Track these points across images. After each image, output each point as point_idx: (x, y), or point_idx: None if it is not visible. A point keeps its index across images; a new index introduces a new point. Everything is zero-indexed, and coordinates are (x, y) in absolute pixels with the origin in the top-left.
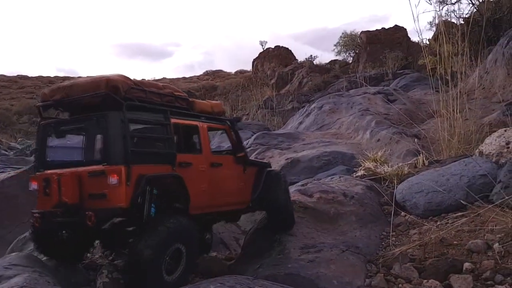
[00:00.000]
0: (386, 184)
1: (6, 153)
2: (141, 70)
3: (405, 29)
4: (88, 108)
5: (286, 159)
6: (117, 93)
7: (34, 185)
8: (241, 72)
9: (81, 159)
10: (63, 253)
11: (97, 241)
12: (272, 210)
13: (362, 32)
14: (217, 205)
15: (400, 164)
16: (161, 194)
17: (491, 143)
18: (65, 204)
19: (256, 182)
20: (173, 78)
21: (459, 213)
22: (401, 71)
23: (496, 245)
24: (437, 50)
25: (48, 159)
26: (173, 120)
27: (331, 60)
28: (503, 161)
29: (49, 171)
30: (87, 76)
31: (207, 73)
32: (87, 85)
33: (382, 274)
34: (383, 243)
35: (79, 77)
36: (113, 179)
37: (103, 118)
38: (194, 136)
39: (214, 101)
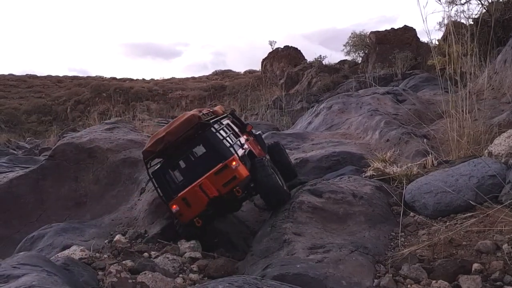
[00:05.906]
0: (395, 184)
1: (15, 152)
2: (150, 70)
3: (414, 29)
4: (180, 143)
5: (295, 159)
6: (201, 119)
7: (176, 208)
8: (250, 72)
9: (196, 173)
10: (198, 236)
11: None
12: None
13: (371, 32)
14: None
15: (409, 164)
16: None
17: (500, 144)
18: (213, 198)
19: (261, 146)
20: (182, 78)
21: (468, 214)
22: (410, 71)
23: (505, 246)
24: (446, 51)
25: (173, 188)
26: (224, 122)
27: (340, 60)
28: None
29: (181, 193)
30: (169, 125)
31: (216, 73)
32: (179, 127)
33: (391, 275)
34: (392, 244)
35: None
36: (235, 164)
37: (206, 137)
38: (233, 128)
39: (218, 106)
